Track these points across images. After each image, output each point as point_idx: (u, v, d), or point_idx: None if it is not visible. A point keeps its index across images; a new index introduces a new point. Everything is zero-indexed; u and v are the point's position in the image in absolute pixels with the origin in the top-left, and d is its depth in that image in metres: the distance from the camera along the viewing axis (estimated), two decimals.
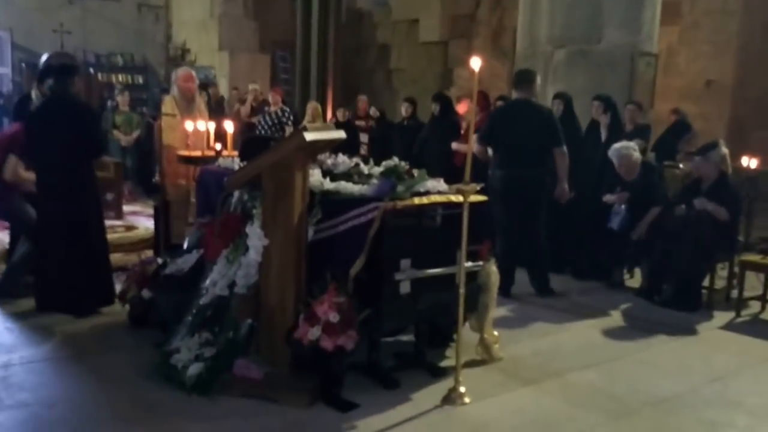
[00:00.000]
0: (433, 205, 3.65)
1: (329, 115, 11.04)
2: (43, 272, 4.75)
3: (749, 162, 6.56)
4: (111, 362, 3.94)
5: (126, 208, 8.55)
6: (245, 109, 10.21)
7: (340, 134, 3.76)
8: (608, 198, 5.93)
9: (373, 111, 10.31)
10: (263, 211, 3.60)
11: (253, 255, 3.67)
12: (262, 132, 8.16)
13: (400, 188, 3.58)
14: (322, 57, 11.75)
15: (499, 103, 7.15)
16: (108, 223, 7.57)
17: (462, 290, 3.52)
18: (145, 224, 7.50)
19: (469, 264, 3.62)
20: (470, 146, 3.42)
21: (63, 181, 4.69)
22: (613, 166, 5.89)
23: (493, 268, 4.01)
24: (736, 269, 5.67)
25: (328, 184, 3.82)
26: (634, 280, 6.24)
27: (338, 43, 12.04)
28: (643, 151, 7.17)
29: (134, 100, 11.57)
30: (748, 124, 10.60)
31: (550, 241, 6.56)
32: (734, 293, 5.58)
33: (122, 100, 10.44)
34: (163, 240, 5.58)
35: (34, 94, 5.40)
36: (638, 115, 7.34)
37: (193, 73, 6.12)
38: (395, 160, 3.84)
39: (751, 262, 5.24)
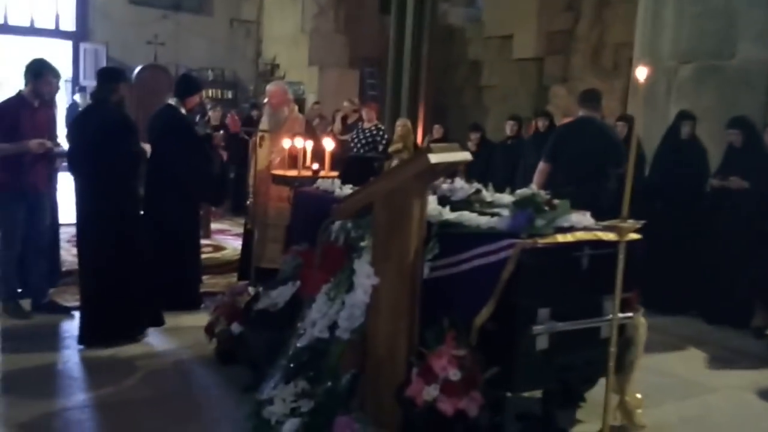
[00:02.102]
0: (579, 244, 3.03)
1: (419, 132, 10.63)
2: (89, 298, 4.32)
3: None
4: (197, 409, 3.49)
5: (213, 226, 8.24)
6: (337, 126, 9.80)
7: (466, 156, 3.21)
8: None
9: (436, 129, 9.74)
10: (374, 244, 3.09)
11: (361, 295, 3.15)
12: (356, 150, 7.71)
13: (539, 222, 2.98)
14: (415, 73, 11.40)
15: (620, 123, 6.51)
16: None
17: (613, 348, 2.89)
18: (233, 245, 7.16)
19: (619, 316, 2.99)
20: (629, 171, 2.80)
21: (98, 196, 4.26)
22: None
23: (641, 320, 3.37)
24: None
25: (448, 214, 3.27)
26: None
27: (432, 59, 11.68)
28: None
29: (224, 116, 11.35)
30: None
31: (670, 278, 5.82)
32: None
33: (214, 115, 10.19)
34: (253, 266, 5.17)
35: (79, 99, 5.11)
36: None
37: (283, 86, 5.75)
38: (532, 187, 3.24)
39: None
